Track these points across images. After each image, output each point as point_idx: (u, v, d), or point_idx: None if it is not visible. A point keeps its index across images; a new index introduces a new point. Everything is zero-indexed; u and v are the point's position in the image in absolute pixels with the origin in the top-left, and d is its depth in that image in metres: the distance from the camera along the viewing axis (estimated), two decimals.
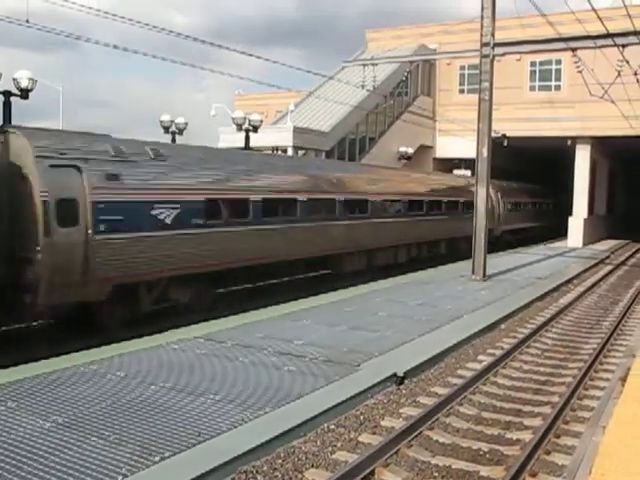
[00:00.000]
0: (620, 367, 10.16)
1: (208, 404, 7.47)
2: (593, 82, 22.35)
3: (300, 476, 6.07)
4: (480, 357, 10.76)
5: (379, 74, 27.68)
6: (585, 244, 34.49)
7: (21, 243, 11.79)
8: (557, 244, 35.53)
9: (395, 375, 9.08)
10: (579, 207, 35.33)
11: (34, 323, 13.13)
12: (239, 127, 25.53)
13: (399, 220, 24.37)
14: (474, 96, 21.02)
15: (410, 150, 36.59)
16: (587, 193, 35.75)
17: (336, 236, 20.14)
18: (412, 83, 38.32)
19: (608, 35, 17.89)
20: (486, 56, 18.84)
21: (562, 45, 19.50)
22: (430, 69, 40.31)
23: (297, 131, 28.31)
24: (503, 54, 19.98)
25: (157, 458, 5.95)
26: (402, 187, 25.46)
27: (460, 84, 40.04)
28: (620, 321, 13.91)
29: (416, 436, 7.15)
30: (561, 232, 37.76)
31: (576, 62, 19.90)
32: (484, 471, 6.37)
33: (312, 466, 6.29)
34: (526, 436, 7.25)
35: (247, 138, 25.14)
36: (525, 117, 35.33)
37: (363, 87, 24.02)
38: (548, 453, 6.79)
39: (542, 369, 10.37)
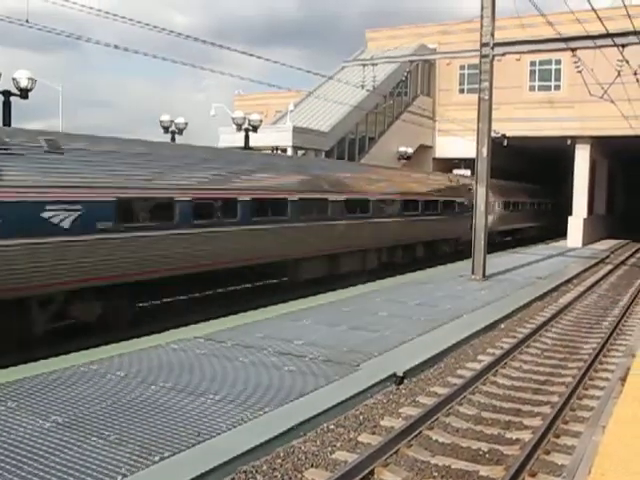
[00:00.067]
0: (620, 367, 10.16)
1: (208, 404, 7.47)
2: (593, 82, 22.36)
3: (300, 476, 6.07)
4: (480, 357, 10.76)
5: (379, 74, 27.70)
6: (585, 244, 34.51)
7: None
8: (557, 244, 35.55)
9: (395, 375, 9.08)
10: (579, 207, 35.37)
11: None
12: (239, 127, 25.55)
13: (366, 222, 22.14)
14: (474, 96, 21.03)
15: (410, 150, 36.59)
16: (587, 193, 35.79)
17: (290, 240, 18.09)
18: (412, 83, 38.32)
19: (608, 35, 17.89)
20: (486, 56, 18.85)
21: (562, 45, 19.50)
22: (430, 69, 40.31)
23: (297, 131, 28.31)
24: (503, 54, 19.98)
25: (157, 458, 5.96)
26: (371, 185, 23.18)
27: (460, 84, 40.04)
28: (620, 321, 13.92)
29: (416, 436, 7.15)
30: (560, 232, 37.75)
31: (576, 62, 19.90)
32: (484, 471, 6.37)
33: (312, 466, 6.29)
34: (526, 436, 7.25)
35: (247, 138, 25.16)
36: (525, 117, 35.34)
37: (363, 87, 24.03)
38: (548, 453, 6.79)
39: (542, 369, 10.38)
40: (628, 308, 15.72)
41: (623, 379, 8.65)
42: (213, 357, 9.61)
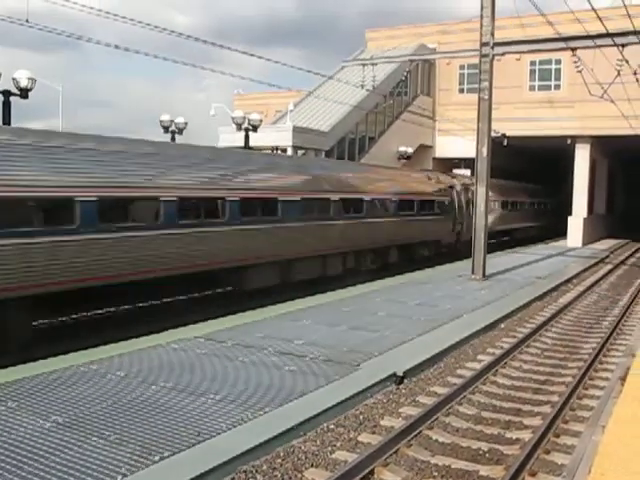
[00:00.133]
0: (620, 366, 10.17)
1: (208, 404, 7.48)
2: (593, 82, 22.37)
3: (300, 476, 6.07)
4: (480, 357, 10.77)
5: (378, 74, 27.69)
6: (585, 243, 34.51)
7: None
8: (556, 243, 35.55)
9: (395, 375, 9.08)
10: (578, 206, 35.36)
11: (34, 323, 13.08)
12: (239, 127, 25.57)
13: (328, 224, 19.95)
14: (474, 96, 21.04)
15: (410, 150, 36.60)
16: (587, 192, 35.79)
17: (234, 245, 16.08)
18: (412, 83, 38.32)
19: (608, 35, 17.90)
20: (486, 55, 18.85)
21: (562, 45, 19.50)
22: (430, 69, 40.31)
23: (296, 131, 28.31)
24: (503, 54, 19.99)
25: (157, 458, 5.96)
26: (334, 183, 21.06)
27: (460, 84, 40.04)
28: (620, 320, 13.92)
29: (415, 436, 7.15)
30: (560, 232, 37.70)
31: (576, 62, 19.90)
32: (484, 470, 6.38)
33: (312, 466, 6.29)
34: (526, 435, 7.25)
35: (247, 138, 25.18)
36: (525, 117, 35.33)
37: (362, 87, 24.03)
38: (548, 452, 6.80)
39: (542, 368, 10.38)
40: (628, 308, 15.72)
41: (623, 379, 8.65)
42: (213, 357, 9.61)
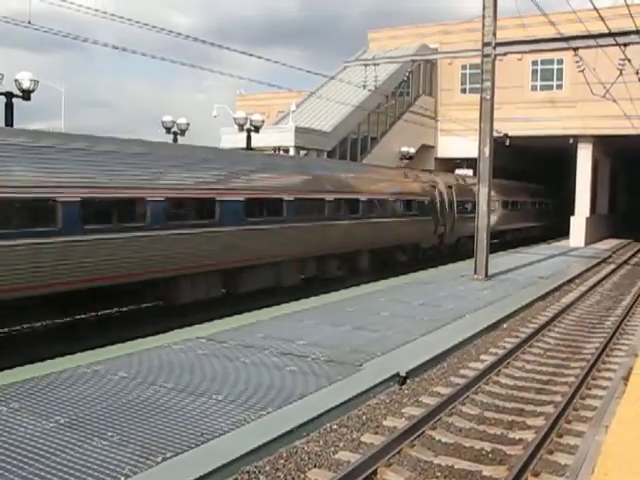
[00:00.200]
0: (623, 366, 10.14)
1: (210, 404, 7.47)
2: (595, 81, 22.35)
3: (302, 476, 6.06)
4: (482, 357, 10.75)
5: (380, 74, 27.67)
6: (587, 243, 34.46)
7: None
8: (559, 243, 35.51)
9: (398, 375, 9.07)
10: (581, 206, 35.32)
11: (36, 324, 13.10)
12: (241, 127, 25.57)
13: (279, 227, 17.67)
14: (476, 96, 21.01)
15: (412, 150, 36.59)
16: (589, 192, 35.74)
17: (156, 253, 13.90)
18: (413, 83, 38.33)
19: (609, 34, 17.87)
20: (488, 56, 18.84)
21: (563, 44, 19.48)
22: (431, 69, 40.31)
23: (299, 131, 28.32)
24: (505, 54, 19.97)
25: (159, 458, 5.95)
26: (289, 182, 18.77)
27: (462, 84, 40.04)
28: (622, 320, 13.89)
29: (418, 436, 7.14)
30: (562, 232, 37.62)
31: (577, 61, 19.89)
32: (487, 471, 6.36)
33: (314, 466, 6.28)
34: (529, 436, 7.24)
35: (249, 138, 25.18)
36: (527, 116, 35.30)
37: (364, 87, 24.01)
38: (551, 453, 6.78)
39: (544, 368, 10.36)
40: (631, 308, 15.69)
41: (626, 379, 8.63)
42: (214, 357, 9.60)
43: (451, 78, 40.24)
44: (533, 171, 45.81)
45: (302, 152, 28.31)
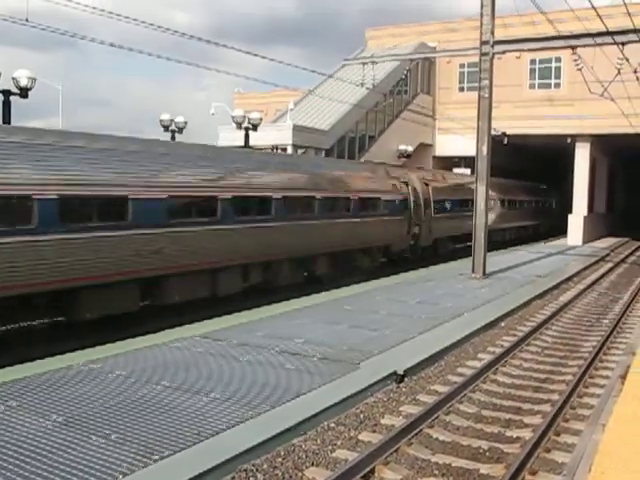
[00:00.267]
0: (620, 365, 10.16)
1: (206, 402, 7.46)
2: (593, 80, 22.35)
3: (300, 474, 6.07)
4: (480, 355, 10.76)
5: (379, 72, 27.70)
6: (585, 242, 34.49)
7: None
8: (557, 242, 35.53)
9: (395, 373, 9.08)
10: (579, 205, 35.35)
11: (34, 322, 13.07)
12: (239, 125, 25.57)
13: (213, 228, 15.38)
14: (474, 94, 21.01)
15: (410, 148, 36.61)
16: (587, 191, 35.77)
17: (50, 261, 11.84)
18: (412, 81, 38.32)
19: (608, 33, 17.88)
20: (486, 54, 18.84)
21: (562, 43, 19.50)
22: (430, 67, 40.31)
23: (297, 129, 28.32)
24: (503, 52, 19.98)
25: (157, 457, 5.95)
26: (227, 177, 16.35)
27: (460, 82, 40.05)
28: (620, 319, 13.92)
29: (416, 434, 7.15)
30: (560, 231, 37.61)
31: (576, 60, 19.89)
32: (484, 469, 6.37)
33: (312, 464, 6.29)
34: (526, 434, 7.25)
35: (247, 136, 25.17)
36: (525, 115, 35.34)
37: (363, 85, 24.01)
38: (548, 451, 6.79)
39: (542, 367, 10.38)
40: (628, 306, 15.72)
41: (623, 377, 8.64)
42: (212, 356, 9.60)
43: (449, 76, 40.24)
44: (531, 169, 45.83)
45: (300, 150, 28.31)
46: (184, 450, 6.13)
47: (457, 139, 35.95)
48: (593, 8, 16.23)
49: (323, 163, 23.74)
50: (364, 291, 16.33)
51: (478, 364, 10.05)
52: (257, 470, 6.03)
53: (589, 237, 35.74)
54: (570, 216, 35.16)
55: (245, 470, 5.99)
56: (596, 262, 26.03)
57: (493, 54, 18.90)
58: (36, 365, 8.99)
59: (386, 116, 35.89)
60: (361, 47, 40.93)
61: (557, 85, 37.01)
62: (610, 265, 25.42)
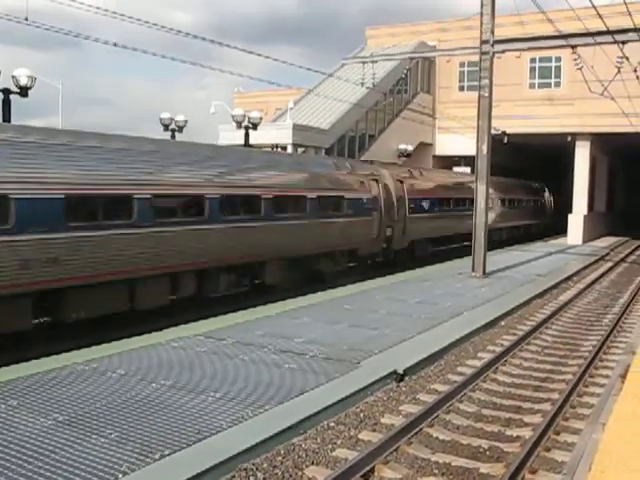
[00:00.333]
0: (620, 364, 10.16)
1: (208, 402, 7.47)
2: (593, 79, 22.37)
3: (300, 473, 6.07)
4: (480, 354, 10.77)
5: (378, 71, 27.70)
6: (585, 241, 34.49)
7: None
8: (557, 241, 35.54)
9: (395, 372, 9.08)
10: (579, 204, 35.34)
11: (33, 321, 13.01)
12: (239, 124, 25.57)
13: (131, 232, 13.19)
14: (474, 93, 21.01)
15: (410, 147, 36.59)
16: (587, 190, 35.77)
17: None
18: (412, 80, 38.29)
19: (607, 32, 17.88)
20: (486, 53, 18.84)
21: (562, 42, 19.50)
22: (430, 66, 40.28)
23: (296, 128, 28.30)
24: (503, 51, 19.96)
25: (157, 456, 5.96)
26: (155, 174, 14.02)
27: (460, 81, 40.03)
28: (620, 318, 13.92)
29: (416, 433, 7.15)
30: (560, 230, 37.55)
31: (576, 59, 19.90)
32: (484, 468, 6.38)
33: (312, 463, 6.29)
34: (526, 433, 7.25)
35: (247, 135, 25.17)
36: (525, 114, 35.32)
37: (362, 84, 24.02)
38: (548, 450, 6.80)
39: (542, 366, 10.38)
40: (628, 305, 15.72)
41: (623, 376, 8.65)
42: (213, 355, 9.61)
43: (449, 76, 40.22)
44: (531, 168, 45.80)
45: (300, 149, 28.30)
46: (184, 449, 6.14)
47: (457, 138, 35.94)
48: (593, 7, 16.22)
49: (276, 158, 21.00)
50: (362, 290, 16.32)
51: (478, 363, 10.06)
52: (257, 469, 6.04)
53: (589, 236, 35.74)
54: (570, 215, 35.16)
55: (245, 469, 6.00)
56: (596, 261, 26.04)
57: (493, 53, 18.90)
58: (37, 364, 8.99)
59: (386, 115, 35.87)
60: (360, 46, 40.89)
61: (557, 84, 36.99)
62: (610, 264, 25.43)
